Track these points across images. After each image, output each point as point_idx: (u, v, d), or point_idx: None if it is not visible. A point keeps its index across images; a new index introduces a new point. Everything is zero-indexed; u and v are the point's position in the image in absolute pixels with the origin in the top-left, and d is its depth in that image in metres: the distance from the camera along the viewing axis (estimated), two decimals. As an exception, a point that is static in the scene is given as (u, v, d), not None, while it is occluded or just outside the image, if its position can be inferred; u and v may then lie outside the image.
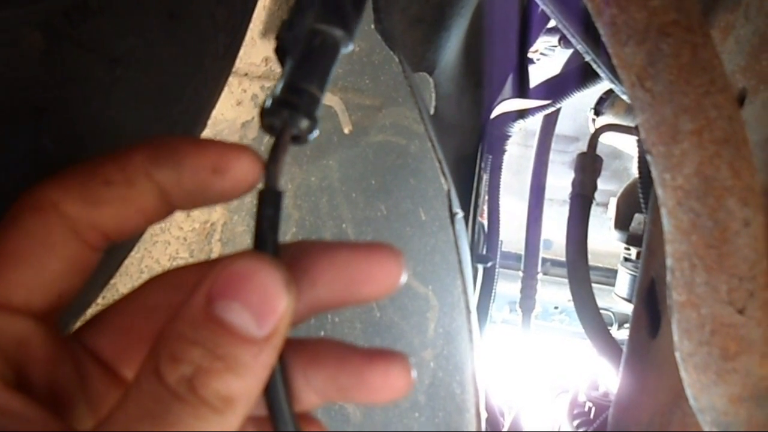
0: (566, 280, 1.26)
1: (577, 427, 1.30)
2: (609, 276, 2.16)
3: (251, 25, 0.47)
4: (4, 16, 0.27)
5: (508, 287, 1.82)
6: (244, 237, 0.74)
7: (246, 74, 0.70)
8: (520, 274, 1.50)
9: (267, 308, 0.22)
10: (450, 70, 1.03)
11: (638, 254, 1.33)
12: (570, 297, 1.24)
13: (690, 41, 0.36)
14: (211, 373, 0.21)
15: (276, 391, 0.25)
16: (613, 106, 1.42)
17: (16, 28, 0.27)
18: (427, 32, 0.92)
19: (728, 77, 0.37)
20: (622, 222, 1.41)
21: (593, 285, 1.24)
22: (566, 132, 2.26)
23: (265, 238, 0.25)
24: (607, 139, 1.39)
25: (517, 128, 1.31)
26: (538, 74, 1.36)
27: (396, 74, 0.79)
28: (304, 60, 0.27)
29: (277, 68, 0.70)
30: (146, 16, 0.33)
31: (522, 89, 1.26)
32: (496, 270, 1.41)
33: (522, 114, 1.28)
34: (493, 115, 1.28)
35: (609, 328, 1.22)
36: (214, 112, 0.46)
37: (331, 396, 0.28)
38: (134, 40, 0.33)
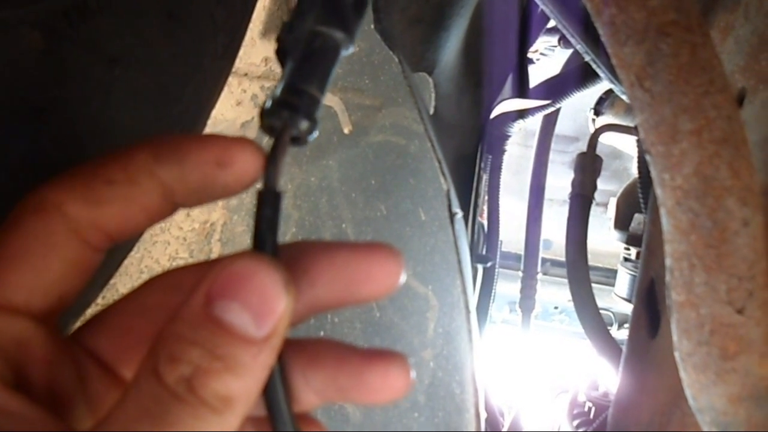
0: (566, 280, 1.26)
1: (577, 427, 1.30)
2: (609, 276, 2.17)
3: (251, 26, 0.47)
4: (4, 16, 0.27)
5: (507, 287, 1.82)
6: (243, 237, 0.74)
7: (246, 74, 0.70)
8: (520, 274, 1.50)
9: (266, 309, 0.22)
10: (450, 70, 1.03)
11: (638, 254, 1.33)
12: (570, 297, 1.24)
13: (689, 41, 0.36)
14: (210, 374, 0.21)
15: (275, 392, 0.25)
16: (613, 106, 1.42)
17: (15, 28, 0.27)
18: (426, 32, 0.92)
19: (727, 77, 0.37)
20: (621, 222, 1.41)
21: (593, 285, 1.24)
22: (566, 132, 2.26)
23: (264, 238, 0.25)
24: (606, 139, 1.39)
25: (517, 128, 1.31)
26: (537, 74, 1.36)
27: (396, 74, 0.79)
28: (305, 61, 0.27)
29: (277, 68, 0.70)
30: (145, 16, 0.33)
31: (522, 89, 1.26)
32: (496, 270, 1.41)
33: (522, 114, 1.28)
34: (493, 115, 1.28)
35: (609, 328, 1.22)
36: (214, 112, 0.46)
37: (330, 396, 0.28)
38: (133, 40, 0.33)
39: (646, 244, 0.78)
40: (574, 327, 2.39)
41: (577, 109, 1.78)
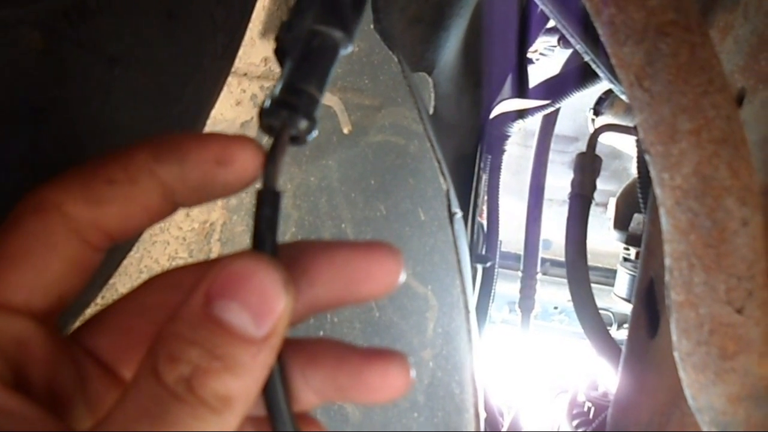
0: (565, 280, 1.26)
1: (577, 427, 1.30)
2: (608, 276, 2.17)
3: (250, 25, 0.47)
4: (3, 16, 0.27)
5: (507, 287, 1.82)
6: (243, 237, 0.74)
7: (245, 74, 0.70)
8: (520, 274, 1.50)
9: (265, 308, 0.22)
10: (449, 70, 1.03)
11: (637, 254, 1.33)
12: (569, 297, 1.24)
13: (688, 41, 0.36)
14: (209, 373, 0.21)
15: (274, 391, 0.25)
16: (613, 106, 1.42)
17: (14, 28, 0.27)
18: (426, 32, 0.92)
19: (727, 77, 0.37)
20: (621, 222, 1.41)
21: (592, 285, 1.24)
22: (565, 132, 2.26)
23: (264, 238, 0.25)
24: (606, 139, 1.39)
25: (517, 128, 1.31)
26: (537, 74, 1.36)
27: (395, 74, 0.79)
28: (304, 61, 0.27)
29: (276, 68, 0.70)
30: (145, 16, 0.33)
31: (521, 89, 1.27)
32: (496, 270, 1.41)
33: (521, 114, 1.28)
34: (493, 115, 1.28)
35: (608, 328, 1.22)
36: (213, 112, 0.46)
37: (329, 396, 0.28)
38: (133, 39, 0.33)
39: (645, 244, 0.78)
40: (574, 327, 2.39)
41: (577, 109, 1.78)
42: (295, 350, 0.27)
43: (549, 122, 1.48)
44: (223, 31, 0.40)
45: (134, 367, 0.22)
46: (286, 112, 0.26)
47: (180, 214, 0.69)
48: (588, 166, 1.32)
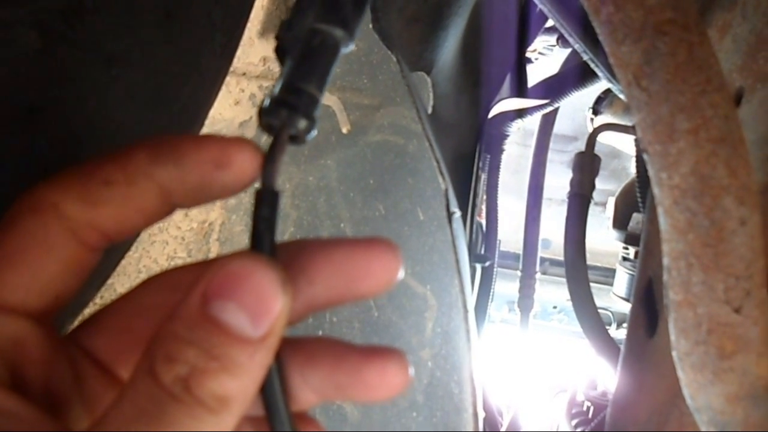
0: (565, 280, 1.26)
1: (576, 426, 1.30)
2: (607, 275, 2.16)
3: (249, 25, 0.47)
4: (0, 16, 0.27)
5: (506, 286, 1.82)
6: (242, 236, 0.74)
7: (244, 74, 0.70)
8: (519, 273, 1.50)
9: (262, 308, 0.22)
10: (448, 70, 1.03)
11: (636, 253, 1.33)
12: (568, 296, 1.24)
13: (686, 40, 0.36)
14: (206, 374, 0.21)
15: (272, 391, 0.25)
16: (612, 105, 1.42)
17: (11, 28, 0.27)
18: (424, 32, 0.92)
19: (725, 76, 0.37)
20: (620, 221, 1.41)
21: (592, 284, 1.24)
22: (565, 131, 2.26)
23: (262, 238, 0.25)
24: (605, 138, 1.39)
25: (516, 127, 1.31)
26: (536, 73, 1.36)
27: (394, 74, 0.79)
28: (304, 60, 0.27)
29: (275, 68, 0.70)
30: (143, 15, 0.33)
31: (520, 88, 1.27)
32: (495, 269, 1.41)
33: (520, 113, 1.28)
34: (491, 114, 1.28)
35: (607, 327, 1.22)
36: (212, 112, 0.46)
37: (328, 394, 0.28)
38: (131, 39, 0.33)
39: (644, 244, 0.78)
40: (573, 326, 2.40)
41: (576, 108, 1.78)
42: (293, 349, 0.27)
43: (548, 121, 1.47)
44: (221, 30, 0.40)
45: (131, 368, 0.22)
46: (286, 111, 0.26)
47: (179, 214, 0.69)
48: (587, 165, 1.32)
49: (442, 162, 0.79)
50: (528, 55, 1.41)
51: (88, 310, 0.31)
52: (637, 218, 1.34)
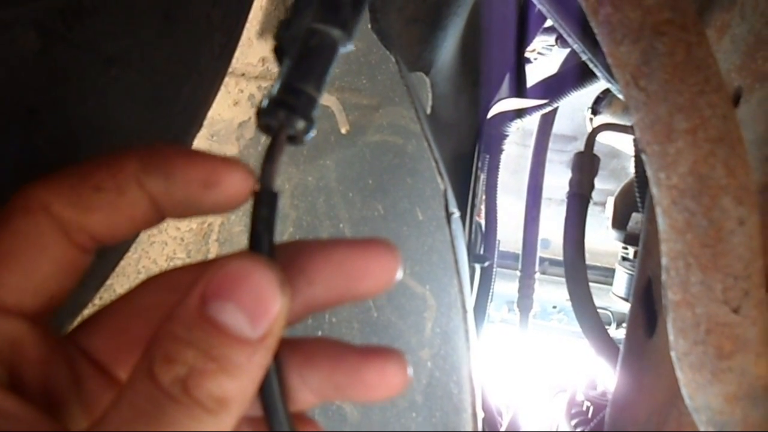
0: (564, 280, 1.26)
1: (575, 426, 1.30)
2: (607, 275, 2.17)
3: (248, 26, 0.47)
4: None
5: (506, 286, 1.82)
6: (241, 237, 0.74)
7: (243, 74, 0.70)
8: (518, 273, 1.50)
9: (261, 309, 0.22)
10: (447, 70, 1.03)
11: (636, 253, 1.33)
12: (568, 296, 1.24)
13: (684, 40, 0.36)
14: (204, 374, 0.21)
15: (271, 392, 0.25)
16: (611, 105, 1.42)
17: (10, 28, 0.27)
18: (423, 32, 0.92)
19: (723, 76, 0.37)
20: (619, 221, 1.41)
21: (591, 284, 1.24)
22: (564, 131, 2.26)
23: (260, 238, 0.25)
24: (604, 138, 1.39)
25: (515, 127, 1.31)
26: (535, 73, 1.36)
27: (393, 74, 0.79)
28: (302, 60, 0.27)
29: (274, 68, 0.70)
30: (141, 16, 0.33)
31: (519, 88, 1.26)
32: (494, 269, 1.41)
33: (519, 113, 1.28)
34: (491, 114, 1.28)
35: (607, 327, 1.22)
36: (211, 113, 0.46)
37: (327, 395, 0.28)
38: (129, 40, 0.33)
39: (643, 244, 0.78)
40: (573, 326, 2.40)
41: (575, 108, 1.78)
42: (292, 350, 0.27)
43: (547, 121, 1.47)
44: (220, 31, 0.40)
45: (130, 368, 0.22)
46: (284, 112, 0.26)
47: (178, 215, 0.69)
48: (586, 165, 1.32)
49: (441, 162, 0.79)
50: (527, 55, 1.41)
51: (88, 311, 0.31)
52: (636, 218, 1.34)
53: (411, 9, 0.88)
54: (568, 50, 1.49)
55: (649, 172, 0.39)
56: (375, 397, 0.27)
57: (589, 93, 1.27)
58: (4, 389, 0.23)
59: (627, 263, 1.36)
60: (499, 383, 1.68)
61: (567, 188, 1.33)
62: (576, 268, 1.25)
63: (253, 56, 0.69)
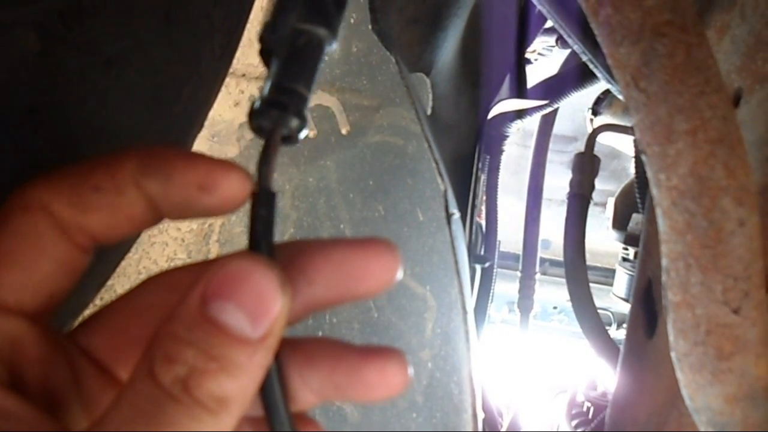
0: (564, 280, 1.26)
1: (576, 427, 1.30)
2: (607, 276, 2.17)
3: (249, 26, 0.47)
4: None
5: (506, 287, 1.82)
6: (241, 238, 0.74)
7: (243, 75, 0.70)
8: (519, 274, 1.50)
9: (261, 309, 0.22)
10: (447, 71, 1.03)
11: (636, 254, 1.33)
12: (568, 297, 1.24)
13: (684, 41, 0.36)
14: (205, 374, 0.21)
15: (272, 392, 0.25)
16: (611, 106, 1.42)
17: (10, 30, 0.27)
18: (423, 33, 0.92)
19: (723, 77, 0.37)
20: (620, 222, 1.41)
21: (591, 285, 1.24)
22: (564, 132, 2.26)
23: (260, 238, 0.25)
24: (605, 139, 1.40)
25: (515, 128, 1.31)
26: (535, 74, 1.36)
27: (393, 75, 0.79)
28: (290, 60, 0.27)
29: (274, 69, 0.70)
30: (142, 17, 0.33)
31: (520, 89, 1.27)
32: (495, 270, 1.41)
33: (520, 114, 1.28)
34: (491, 115, 1.28)
35: (607, 328, 1.22)
36: (212, 113, 0.46)
37: (328, 395, 0.28)
38: (130, 41, 0.33)
39: (643, 244, 0.78)
40: (573, 327, 2.39)
41: (576, 108, 1.78)
42: (292, 350, 0.27)
43: (547, 122, 1.48)
44: (220, 32, 0.40)
45: (130, 368, 0.22)
46: (277, 112, 0.26)
47: (178, 215, 0.69)
48: (587, 165, 1.32)
49: (442, 163, 0.79)
50: (527, 55, 1.41)
51: (88, 311, 0.31)
52: (636, 219, 1.34)
53: (411, 10, 0.88)
54: (568, 51, 1.49)
55: (649, 174, 0.39)
56: (375, 397, 0.27)
57: (589, 94, 1.28)
58: (4, 388, 0.23)
59: (627, 264, 1.36)
60: (499, 384, 1.68)
61: (567, 189, 1.33)
62: (576, 268, 1.25)
63: (254, 57, 0.69)
